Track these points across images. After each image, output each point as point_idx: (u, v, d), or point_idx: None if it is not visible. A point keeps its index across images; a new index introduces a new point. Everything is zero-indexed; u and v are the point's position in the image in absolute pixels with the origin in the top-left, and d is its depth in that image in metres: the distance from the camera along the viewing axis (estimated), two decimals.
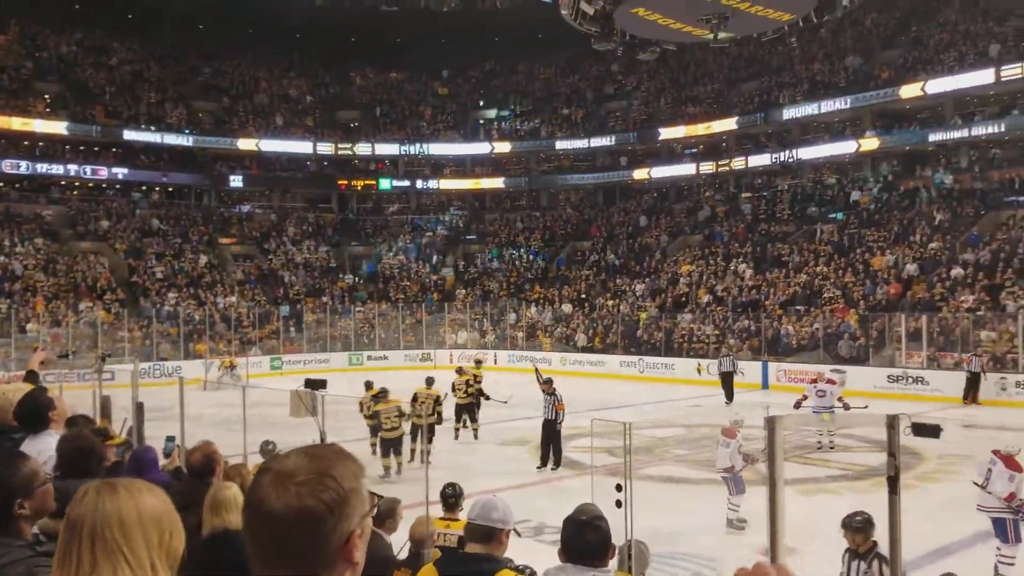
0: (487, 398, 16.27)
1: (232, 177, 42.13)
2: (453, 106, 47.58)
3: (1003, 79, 30.18)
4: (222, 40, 44.34)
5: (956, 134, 31.97)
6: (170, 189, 41.33)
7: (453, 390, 15.87)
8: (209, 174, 41.71)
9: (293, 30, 45.67)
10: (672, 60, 41.39)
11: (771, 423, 2.18)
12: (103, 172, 38.54)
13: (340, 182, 44.05)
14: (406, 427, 13.35)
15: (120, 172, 38.94)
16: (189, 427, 7.98)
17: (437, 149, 44.31)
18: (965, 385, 20.26)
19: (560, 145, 43.59)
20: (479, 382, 16.28)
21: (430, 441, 12.56)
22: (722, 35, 12.44)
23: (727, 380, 21.61)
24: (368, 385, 14.27)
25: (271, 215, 42.44)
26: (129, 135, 38.60)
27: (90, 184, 39.24)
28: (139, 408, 7.47)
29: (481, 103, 47.94)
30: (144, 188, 40.54)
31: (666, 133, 40.34)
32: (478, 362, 19.35)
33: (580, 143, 43.14)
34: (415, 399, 14.06)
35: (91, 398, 9.22)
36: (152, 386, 20.71)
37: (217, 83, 44.72)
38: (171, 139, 39.81)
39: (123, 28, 42.73)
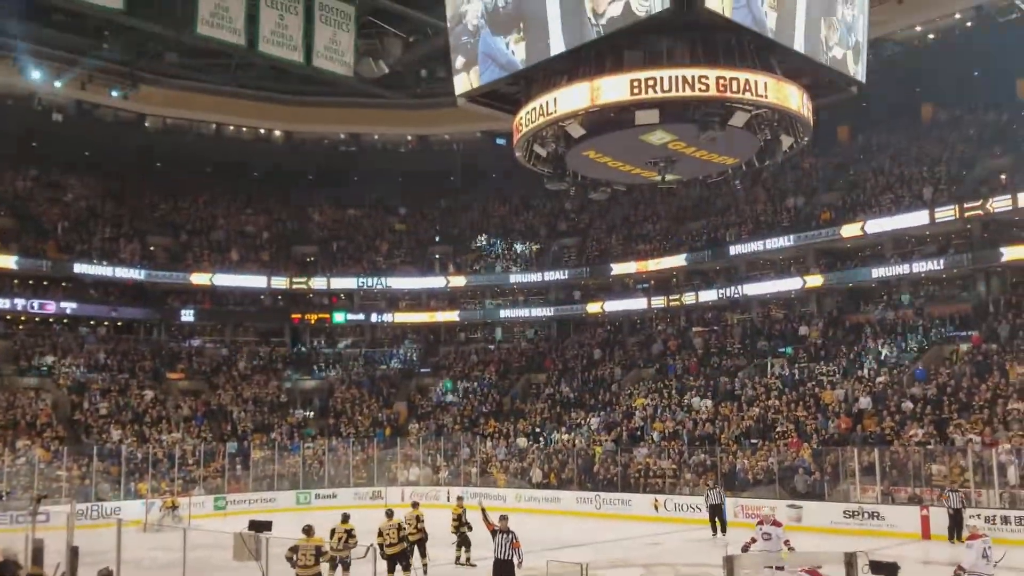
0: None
1: (184, 311, 41.78)
2: (410, 241, 48.30)
3: (937, 220, 31.64)
4: (180, 178, 44.94)
5: (896, 271, 33.16)
6: (119, 323, 40.75)
7: (380, 535, 14.27)
8: (160, 308, 41.34)
9: (252, 168, 46.56)
10: (623, 199, 42.72)
11: (729, 563, 2.14)
12: (51, 307, 37.94)
13: (294, 316, 43.87)
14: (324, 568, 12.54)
15: (69, 307, 38.38)
16: (127, 572, 7.59)
17: (394, 283, 44.61)
18: (948, 524, 19.62)
19: (515, 279, 44.22)
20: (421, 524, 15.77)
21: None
22: (669, 177, 12.91)
23: (716, 512, 21.29)
24: (345, 517, 14.20)
25: (222, 349, 41.92)
26: (80, 269, 38.31)
27: (37, 319, 38.57)
28: (73, 552, 7.11)
29: (437, 238, 48.74)
30: (92, 323, 39.91)
31: (618, 268, 41.19)
32: (459, 498, 18.63)
33: (534, 277, 43.80)
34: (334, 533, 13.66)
35: (23, 542, 8.75)
36: (89, 528, 19.76)
37: (173, 219, 44.98)
38: (123, 273, 39.56)
39: (80, 165, 43.10)
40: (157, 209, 45.14)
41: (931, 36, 34.98)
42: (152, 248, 42.49)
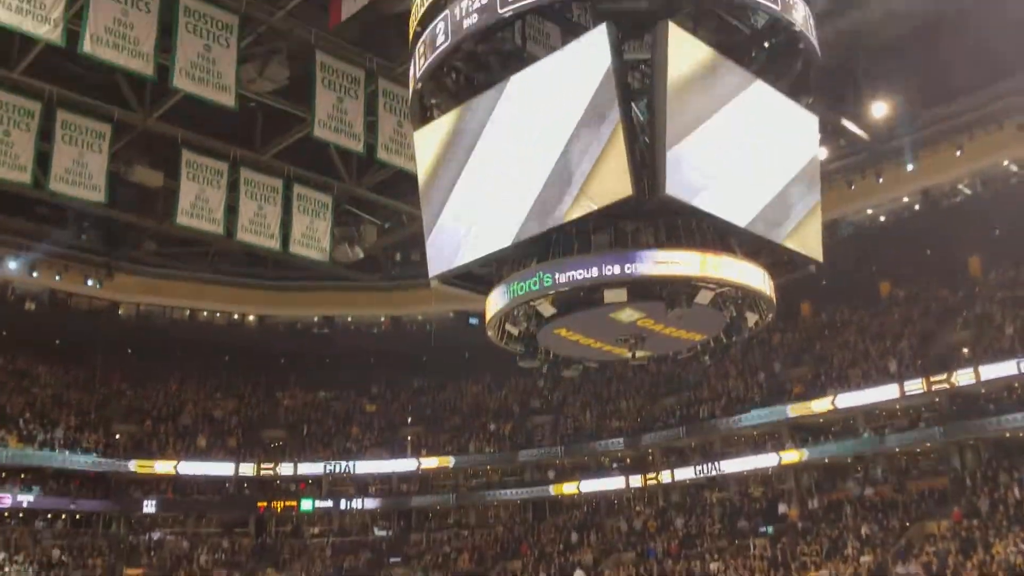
0: None
1: (146, 502, 40.20)
2: (381, 423, 47.66)
3: (907, 394, 31.96)
4: (150, 363, 44.63)
5: (870, 447, 33.09)
6: (77, 516, 39.10)
7: None
8: (121, 499, 39.82)
9: (223, 353, 46.42)
10: (595, 376, 42.89)
11: None
12: (7, 500, 36.38)
13: (259, 504, 42.41)
14: None
15: (26, 499, 36.88)
16: None
17: (363, 467, 43.58)
18: None
19: (488, 460, 43.45)
20: None
21: None
22: (640, 354, 13.07)
23: None
24: None
25: (183, 542, 40.15)
26: (40, 460, 37.13)
27: None
28: None
29: (409, 419, 48.18)
30: (50, 515, 38.29)
31: (593, 446, 40.75)
32: None
33: (508, 457, 43.08)
34: None
35: None
36: None
37: (140, 406, 44.22)
38: (85, 464, 38.34)
39: (50, 353, 42.76)
40: (124, 396, 44.49)
41: (882, 218, 36.76)
42: (117, 436, 41.50)
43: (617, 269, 10.70)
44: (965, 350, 32.67)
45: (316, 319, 46.24)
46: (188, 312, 43.50)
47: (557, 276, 10.86)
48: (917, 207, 36.07)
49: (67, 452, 38.18)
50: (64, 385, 43.04)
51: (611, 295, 10.93)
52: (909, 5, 19.58)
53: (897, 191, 33.76)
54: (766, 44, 12.03)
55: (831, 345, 38.23)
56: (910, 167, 28.61)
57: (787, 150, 11.98)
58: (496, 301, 11.65)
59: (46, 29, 14.67)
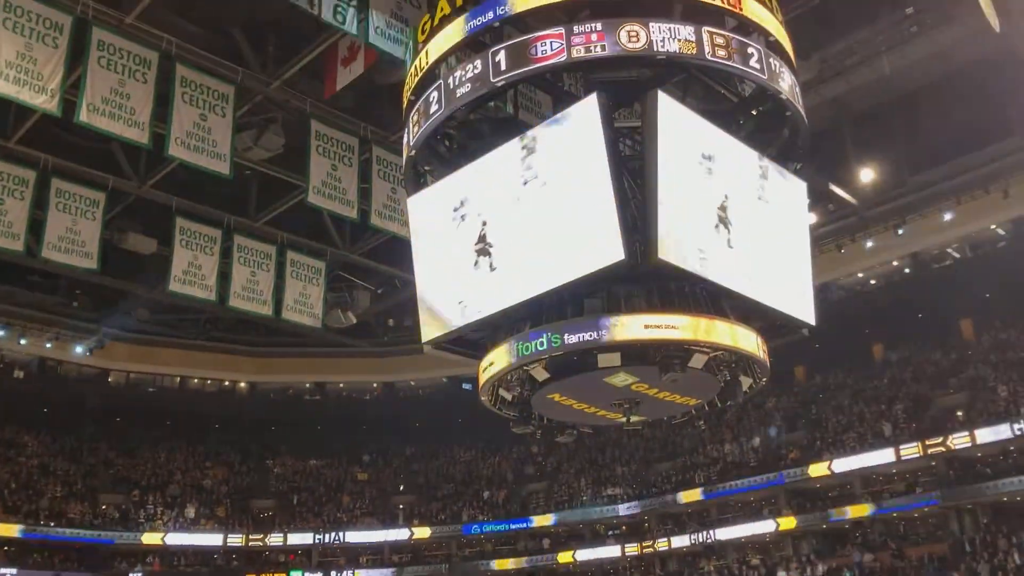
0: None
1: (132, 575, 39.32)
2: (373, 491, 46.93)
3: (903, 458, 31.76)
4: (139, 431, 44.11)
5: (868, 512, 32.71)
6: None
7: None
8: (106, 571, 38.90)
9: (213, 420, 45.94)
10: (589, 442, 42.51)
11: None
12: None
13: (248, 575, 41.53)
14: None
15: (9, 572, 36.01)
16: None
17: (354, 537, 42.76)
18: None
19: (482, 528, 42.73)
20: None
21: None
22: (634, 419, 13.00)
23: None
24: None
25: None
26: (24, 533, 36.37)
27: None
28: None
29: (401, 487, 47.49)
30: None
31: (587, 513, 40.18)
32: None
33: (502, 526, 42.39)
34: None
35: None
36: None
37: (129, 475, 43.51)
38: (70, 536, 37.52)
39: (38, 422, 42.21)
40: (113, 465, 43.80)
41: (873, 281, 36.95)
42: (104, 506, 40.74)
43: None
44: (959, 413, 32.56)
45: (308, 385, 45.92)
46: (178, 379, 43.15)
47: (566, 337, 10.85)
48: (907, 271, 36.30)
49: (52, 524, 37.42)
50: (51, 454, 42.40)
51: (605, 359, 10.92)
52: (893, 75, 19.98)
53: (887, 255, 33.99)
54: (754, 111, 12.26)
55: (826, 409, 38.05)
56: (900, 231, 28.89)
57: (777, 215, 12.11)
58: (499, 362, 11.59)
59: (43, 99, 14.82)
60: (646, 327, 10.71)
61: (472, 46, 11.27)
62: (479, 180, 11.62)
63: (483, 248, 11.41)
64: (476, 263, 11.45)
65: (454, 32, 11.29)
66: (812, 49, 18.95)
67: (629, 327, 10.71)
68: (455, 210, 11.82)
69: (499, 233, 11.28)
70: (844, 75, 20.03)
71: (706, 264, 10.70)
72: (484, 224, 11.44)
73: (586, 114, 10.49)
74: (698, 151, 10.88)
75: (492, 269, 11.25)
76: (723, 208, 11.05)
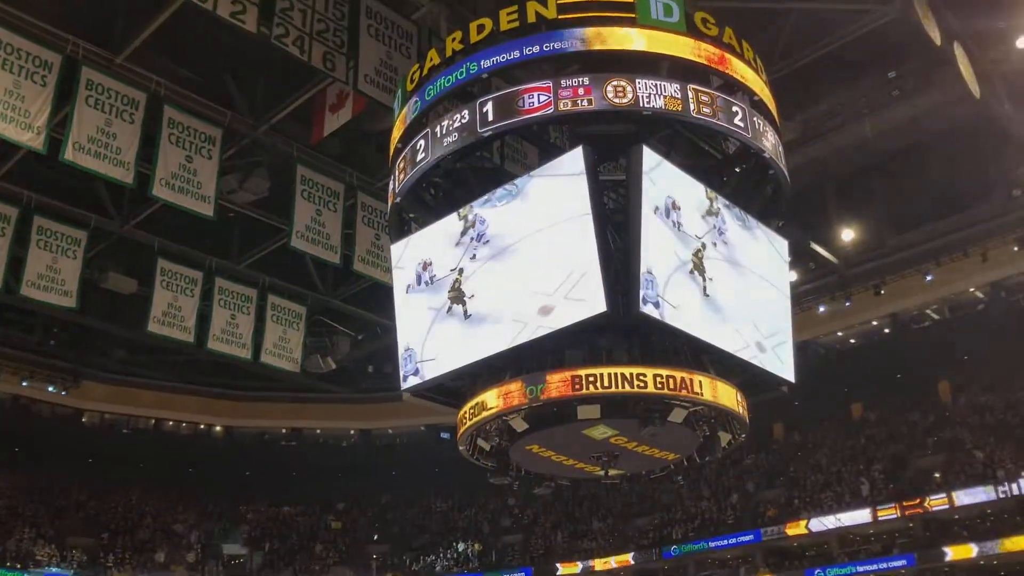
0: None
1: None
2: (347, 540, 46.13)
3: (880, 519, 31.63)
4: (111, 472, 43.28)
5: (845, 572, 32.44)
6: None
7: None
8: None
9: (187, 464, 45.16)
10: (567, 494, 42.07)
11: None
12: None
13: None
14: None
15: None
16: None
17: None
18: None
19: None
20: None
21: None
22: (612, 472, 12.90)
23: None
24: None
25: None
26: None
27: None
28: None
29: (376, 537, 46.70)
30: None
31: (564, 569, 39.57)
32: None
33: None
34: None
35: None
36: None
37: (98, 517, 42.61)
38: None
39: (8, 461, 41.38)
40: (83, 508, 42.88)
41: (853, 340, 37.13)
42: (73, 550, 39.78)
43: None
44: (937, 475, 32.53)
45: (284, 431, 45.35)
46: (153, 421, 42.56)
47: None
48: (887, 330, 36.52)
49: (18, 567, 36.48)
50: (21, 495, 41.49)
51: (585, 411, 10.86)
52: (875, 137, 20.33)
53: (866, 314, 34.19)
54: (737, 169, 12.41)
55: (804, 467, 37.91)
56: (880, 292, 29.13)
57: (759, 271, 12.19)
58: (468, 415, 11.51)
59: (29, 136, 14.80)
60: (623, 378, 10.69)
61: (460, 96, 11.38)
62: (462, 229, 11.63)
63: (457, 296, 11.40)
64: (456, 311, 11.43)
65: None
66: (795, 110, 19.28)
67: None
68: (437, 259, 11.84)
69: (480, 283, 11.27)
70: (826, 136, 20.36)
71: (687, 319, 10.73)
72: (465, 273, 11.43)
73: (571, 167, 10.58)
74: (680, 205, 10.97)
75: (473, 318, 11.23)
76: (705, 263, 11.11)
